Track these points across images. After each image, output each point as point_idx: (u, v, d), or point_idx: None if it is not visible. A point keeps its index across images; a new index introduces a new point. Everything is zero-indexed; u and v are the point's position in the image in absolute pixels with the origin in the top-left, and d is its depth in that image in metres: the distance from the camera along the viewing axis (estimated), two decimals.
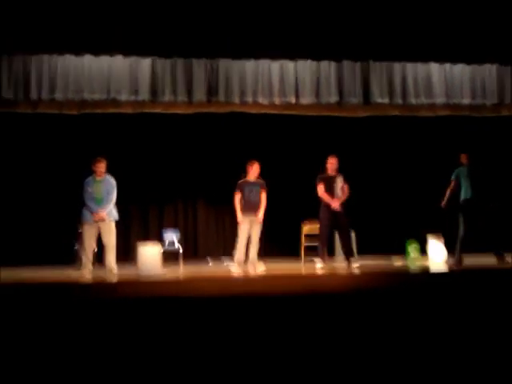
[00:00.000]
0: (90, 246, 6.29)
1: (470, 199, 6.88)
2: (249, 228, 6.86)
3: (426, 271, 6.16)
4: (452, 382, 3.29)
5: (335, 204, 6.87)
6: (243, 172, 7.15)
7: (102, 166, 6.46)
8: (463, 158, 7.14)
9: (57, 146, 9.09)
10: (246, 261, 6.91)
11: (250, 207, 6.88)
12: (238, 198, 6.95)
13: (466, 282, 5.17)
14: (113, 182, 6.52)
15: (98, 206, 6.28)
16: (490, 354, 3.56)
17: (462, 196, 6.99)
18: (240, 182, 7.04)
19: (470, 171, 7.02)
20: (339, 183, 7.01)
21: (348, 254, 6.97)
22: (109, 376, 3.30)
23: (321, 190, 6.97)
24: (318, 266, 6.89)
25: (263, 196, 6.96)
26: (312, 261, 7.19)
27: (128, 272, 6.48)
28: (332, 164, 7.05)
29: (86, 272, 6.18)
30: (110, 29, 7.42)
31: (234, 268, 6.81)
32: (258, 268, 6.76)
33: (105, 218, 6.29)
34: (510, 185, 9.59)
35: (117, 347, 3.60)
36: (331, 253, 8.00)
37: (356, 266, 6.77)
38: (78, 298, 3.93)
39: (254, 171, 7.01)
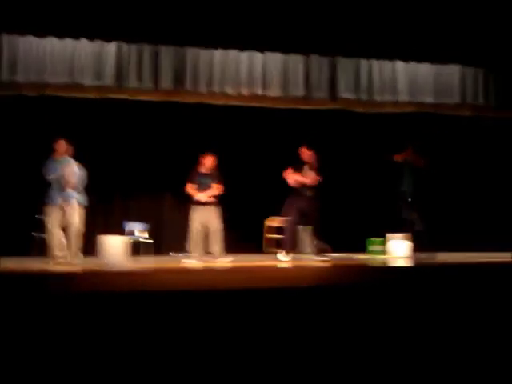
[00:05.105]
0: (57, 232, 6.13)
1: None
2: (201, 219, 6.77)
3: (384, 265, 6.30)
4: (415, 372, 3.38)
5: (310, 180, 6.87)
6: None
7: (62, 144, 6.41)
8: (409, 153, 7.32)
9: (14, 130, 8.72)
10: (206, 253, 6.81)
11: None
12: (190, 186, 6.89)
13: (422, 276, 5.30)
14: (74, 163, 6.44)
15: None
16: (448, 343, 3.68)
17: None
18: (193, 171, 6.96)
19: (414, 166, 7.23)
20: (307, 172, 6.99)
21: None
22: (68, 372, 3.22)
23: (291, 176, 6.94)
24: (282, 258, 6.86)
25: (215, 186, 6.89)
26: (275, 253, 7.17)
27: (91, 262, 6.32)
28: (305, 153, 7.07)
29: (61, 259, 6.02)
30: (75, 11, 7.19)
31: (188, 260, 6.67)
32: (224, 260, 6.68)
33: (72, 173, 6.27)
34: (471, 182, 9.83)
35: (82, 341, 3.52)
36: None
37: (321, 259, 6.80)
38: (44, 289, 3.81)
39: (206, 163, 6.95)
